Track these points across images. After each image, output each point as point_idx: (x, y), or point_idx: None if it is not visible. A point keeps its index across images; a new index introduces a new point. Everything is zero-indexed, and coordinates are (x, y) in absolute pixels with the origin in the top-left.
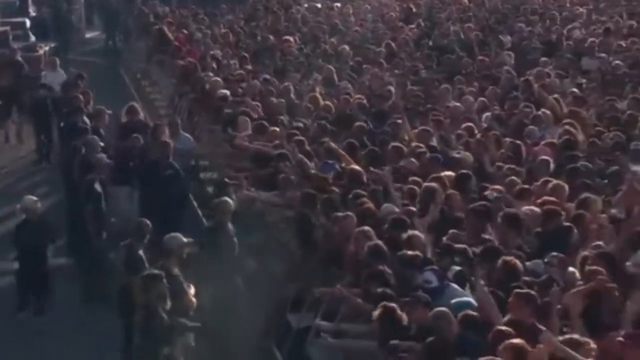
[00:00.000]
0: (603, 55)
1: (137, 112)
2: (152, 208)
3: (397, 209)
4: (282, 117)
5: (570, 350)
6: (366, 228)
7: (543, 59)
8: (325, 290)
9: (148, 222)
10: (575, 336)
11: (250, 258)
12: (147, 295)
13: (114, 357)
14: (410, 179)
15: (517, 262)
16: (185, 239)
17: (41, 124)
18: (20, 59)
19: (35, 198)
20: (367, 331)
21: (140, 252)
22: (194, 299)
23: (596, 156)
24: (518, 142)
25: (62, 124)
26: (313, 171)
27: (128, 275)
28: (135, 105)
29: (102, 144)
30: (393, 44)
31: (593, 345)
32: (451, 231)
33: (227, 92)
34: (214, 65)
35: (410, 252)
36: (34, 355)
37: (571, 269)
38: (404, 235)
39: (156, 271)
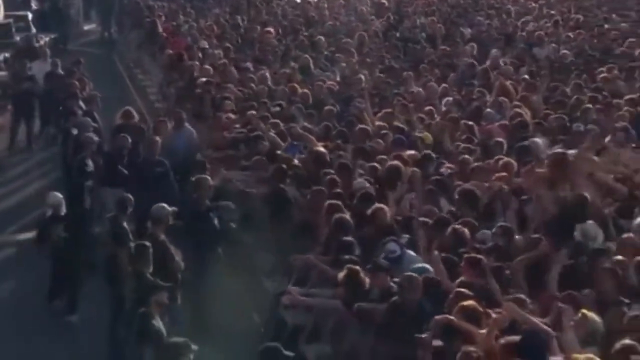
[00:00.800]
0: (552, 45)
1: (131, 116)
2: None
3: (366, 185)
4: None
5: (527, 315)
6: (335, 201)
7: (496, 49)
8: (298, 258)
9: (130, 196)
10: (520, 296)
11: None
12: (136, 265)
13: None
14: (378, 157)
15: (465, 229)
16: (170, 208)
17: (23, 114)
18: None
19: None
20: (334, 294)
21: (124, 223)
22: (181, 263)
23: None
24: (471, 123)
25: (61, 108)
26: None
27: (114, 246)
28: (130, 109)
29: (95, 124)
30: (365, 35)
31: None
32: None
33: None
34: (200, 55)
35: (377, 224)
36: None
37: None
38: (371, 209)
39: (145, 242)
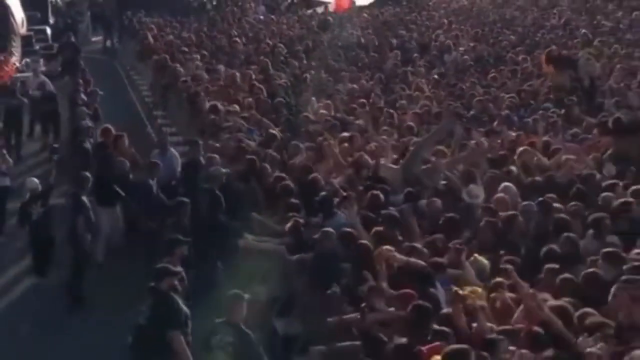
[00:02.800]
0: (457, 52)
1: (110, 134)
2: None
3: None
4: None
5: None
6: (280, 174)
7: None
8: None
9: (89, 175)
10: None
11: None
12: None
13: None
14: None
15: (380, 194)
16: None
17: (12, 128)
18: None
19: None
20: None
21: (84, 197)
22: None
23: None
24: (392, 111)
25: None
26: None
27: (73, 217)
28: (109, 127)
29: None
30: (310, 44)
31: None
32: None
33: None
34: (182, 59)
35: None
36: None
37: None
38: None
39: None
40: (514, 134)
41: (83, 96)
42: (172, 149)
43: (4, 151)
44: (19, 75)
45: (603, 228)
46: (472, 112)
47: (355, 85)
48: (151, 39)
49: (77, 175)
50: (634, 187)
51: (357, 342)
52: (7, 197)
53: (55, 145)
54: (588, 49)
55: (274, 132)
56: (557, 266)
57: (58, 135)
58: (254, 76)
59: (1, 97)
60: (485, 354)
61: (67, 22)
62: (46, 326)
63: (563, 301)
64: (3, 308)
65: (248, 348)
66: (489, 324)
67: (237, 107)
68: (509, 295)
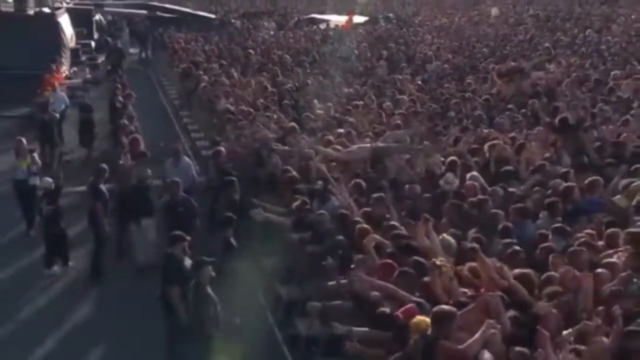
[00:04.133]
0: (438, 62)
1: (139, 144)
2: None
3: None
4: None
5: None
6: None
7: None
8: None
9: (106, 167)
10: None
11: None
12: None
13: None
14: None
15: (361, 181)
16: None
17: (46, 140)
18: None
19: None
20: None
21: (101, 186)
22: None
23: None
24: (381, 111)
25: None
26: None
27: (93, 203)
28: (138, 137)
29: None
30: (315, 55)
31: None
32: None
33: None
34: (205, 67)
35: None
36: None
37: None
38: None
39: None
40: (485, 130)
41: (120, 99)
42: (185, 157)
43: (35, 154)
44: (67, 82)
45: (556, 210)
46: (449, 113)
47: (350, 90)
48: (179, 51)
49: (96, 167)
50: (590, 178)
51: (348, 302)
52: (36, 195)
53: (65, 151)
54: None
55: (294, 124)
56: (514, 241)
57: (92, 142)
58: (265, 82)
59: (37, 111)
60: None
61: (108, 38)
62: (72, 298)
63: (525, 270)
64: (38, 289)
65: None
66: (461, 289)
67: (252, 109)
68: (472, 266)
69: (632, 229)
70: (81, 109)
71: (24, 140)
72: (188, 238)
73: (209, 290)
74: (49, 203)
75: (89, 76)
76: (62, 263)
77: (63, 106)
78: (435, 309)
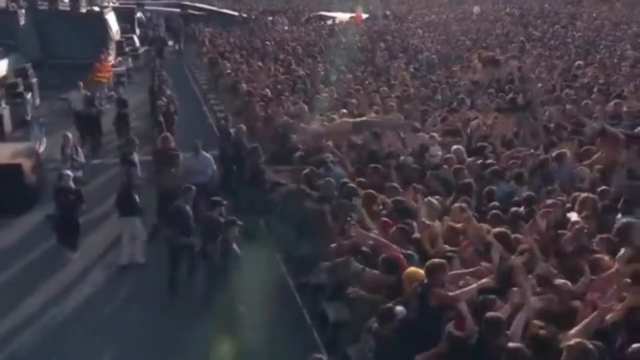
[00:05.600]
0: (428, 53)
1: (169, 141)
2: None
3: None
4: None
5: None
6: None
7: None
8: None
9: (136, 139)
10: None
11: None
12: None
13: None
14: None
15: (347, 164)
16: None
17: (87, 132)
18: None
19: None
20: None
21: (132, 156)
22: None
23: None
24: (378, 96)
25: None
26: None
27: (127, 170)
28: (169, 135)
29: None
30: (324, 47)
31: None
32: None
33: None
34: (228, 57)
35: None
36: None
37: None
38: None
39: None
40: (468, 112)
41: (158, 83)
42: (204, 152)
43: (79, 147)
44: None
45: (523, 179)
46: (437, 96)
47: (351, 76)
48: (207, 43)
49: (127, 139)
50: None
51: (351, 258)
52: (80, 189)
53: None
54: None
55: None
56: (496, 204)
57: (128, 133)
58: (280, 70)
59: (85, 106)
60: None
61: (148, 32)
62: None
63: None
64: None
65: None
66: (445, 246)
67: (268, 92)
68: (454, 224)
69: (588, 195)
70: (118, 103)
71: (71, 137)
72: (225, 202)
73: (235, 246)
74: (73, 194)
75: (131, 65)
76: (70, 249)
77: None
78: (429, 262)
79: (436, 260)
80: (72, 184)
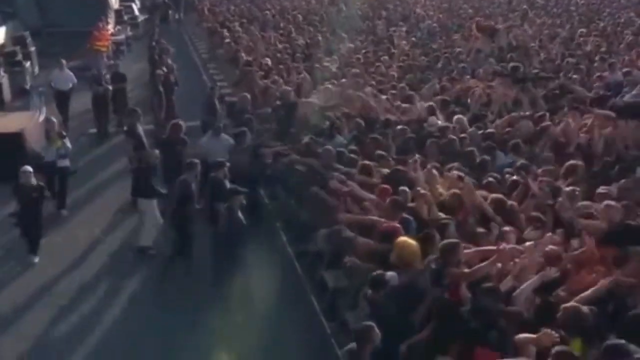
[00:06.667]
0: (429, 21)
1: (180, 130)
2: None
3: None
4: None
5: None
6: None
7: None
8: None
9: (138, 109)
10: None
11: None
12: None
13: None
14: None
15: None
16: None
17: (101, 111)
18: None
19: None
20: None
21: (138, 127)
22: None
23: None
24: (378, 64)
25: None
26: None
27: (130, 137)
28: (180, 122)
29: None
30: (324, 15)
31: None
32: None
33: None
34: (228, 26)
35: None
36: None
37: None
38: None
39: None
40: (469, 81)
41: (158, 52)
42: (224, 134)
43: (66, 140)
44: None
45: (519, 150)
46: (438, 65)
47: (352, 45)
48: (206, 12)
49: (129, 110)
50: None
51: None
52: (67, 176)
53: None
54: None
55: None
56: (493, 174)
57: (124, 111)
58: (280, 39)
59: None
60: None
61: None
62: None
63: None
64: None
65: None
66: (440, 214)
67: (268, 61)
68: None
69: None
70: (115, 78)
71: (56, 122)
72: (227, 164)
73: (240, 214)
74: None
75: (130, 33)
76: (30, 252)
77: (70, 85)
78: (442, 242)
79: (449, 240)
80: (33, 181)
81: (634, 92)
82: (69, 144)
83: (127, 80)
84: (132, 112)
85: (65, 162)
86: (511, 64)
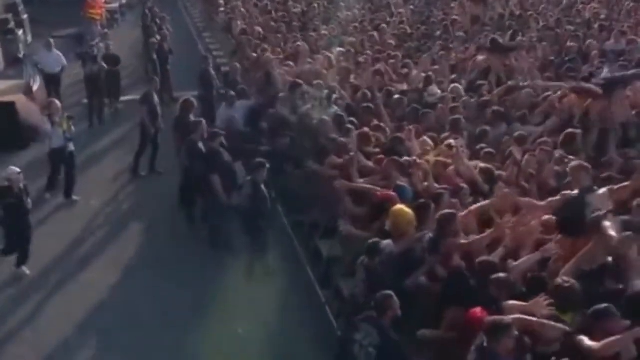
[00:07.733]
0: None
1: (191, 108)
2: None
3: None
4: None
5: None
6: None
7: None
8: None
9: (157, 78)
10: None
11: None
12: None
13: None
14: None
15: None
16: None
17: (94, 93)
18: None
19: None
20: None
21: (153, 94)
22: None
23: None
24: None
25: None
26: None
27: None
28: (192, 100)
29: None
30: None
31: None
32: None
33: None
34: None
35: None
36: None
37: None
38: None
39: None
40: (466, 50)
41: (151, 20)
42: (238, 102)
43: (71, 119)
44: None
45: (525, 121)
46: (436, 33)
47: (349, 13)
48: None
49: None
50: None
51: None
52: (74, 161)
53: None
54: None
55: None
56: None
57: (118, 95)
58: (275, 7)
59: (85, 62)
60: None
61: None
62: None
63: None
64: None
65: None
66: (435, 185)
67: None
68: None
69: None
70: (107, 60)
71: (59, 104)
72: (223, 133)
73: (263, 187)
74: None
75: (124, 1)
76: (17, 263)
77: (60, 67)
78: (440, 213)
79: (445, 211)
80: (20, 185)
81: (608, 69)
82: (73, 127)
83: (121, 62)
84: (151, 80)
85: (72, 147)
86: (491, 37)
